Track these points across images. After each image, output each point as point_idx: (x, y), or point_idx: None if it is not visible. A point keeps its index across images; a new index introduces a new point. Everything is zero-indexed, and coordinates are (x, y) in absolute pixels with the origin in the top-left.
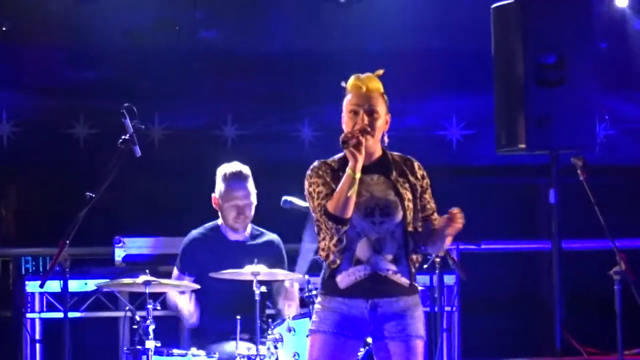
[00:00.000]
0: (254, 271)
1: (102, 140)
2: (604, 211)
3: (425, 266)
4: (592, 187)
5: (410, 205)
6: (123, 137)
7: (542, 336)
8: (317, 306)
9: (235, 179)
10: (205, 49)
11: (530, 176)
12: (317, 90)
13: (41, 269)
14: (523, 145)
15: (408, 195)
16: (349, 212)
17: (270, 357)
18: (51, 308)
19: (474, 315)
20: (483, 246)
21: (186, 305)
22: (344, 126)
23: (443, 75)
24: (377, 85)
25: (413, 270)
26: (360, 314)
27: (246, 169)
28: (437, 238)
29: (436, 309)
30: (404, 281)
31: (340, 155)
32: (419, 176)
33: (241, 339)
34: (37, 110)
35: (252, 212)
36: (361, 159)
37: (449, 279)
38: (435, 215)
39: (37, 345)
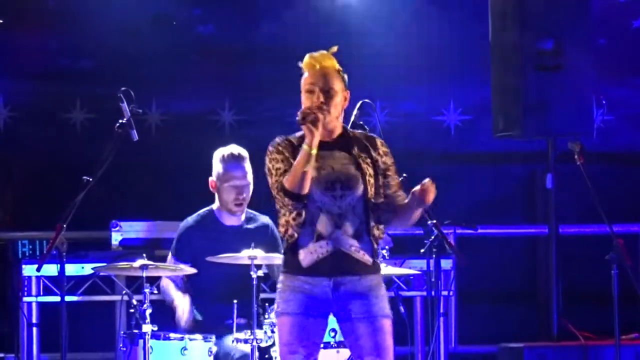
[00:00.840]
0: (250, 255)
1: (99, 125)
2: (601, 196)
3: (421, 250)
4: (589, 172)
5: (372, 180)
6: (120, 121)
7: (539, 321)
8: (280, 286)
9: (234, 160)
10: (202, 43)
11: (527, 162)
12: None
13: (38, 252)
14: (520, 131)
15: (369, 170)
16: (305, 188)
17: (267, 341)
18: (48, 292)
19: (470, 299)
20: (480, 231)
21: (182, 304)
22: (303, 105)
23: (441, 61)
24: (332, 63)
25: (375, 247)
26: (323, 293)
27: (244, 151)
28: (404, 211)
29: (433, 293)
30: (367, 259)
31: (300, 132)
32: (381, 152)
33: (238, 324)
34: (33, 95)
35: (250, 194)
36: (318, 135)
37: (446, 264)
38: (401, 192)
39: (34, 329)
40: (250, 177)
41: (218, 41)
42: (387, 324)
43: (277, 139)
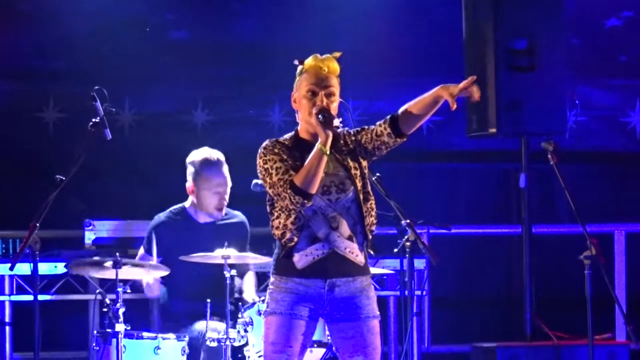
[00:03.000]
0: (224, 254)
1: (72, 124)
2: (574, 196)
3: (395, 250)
4: (562, 172)
5: (358, 173)
6: (93, 120)
7: (512, 321)
8: (271, 287)
9: (213, 166)
10: (175, 45)
11: (500, 161)
12: (287, 75)
13: (11, 251)
14: (494, 130)
15: (353, 164)
16: (316, 187)
17: (240, 341)
18: (21, 291)
19: (444, 299)
20: (453, 230)
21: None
22: (296, 105)
23: (413, 60)
24: (337, 67)
25: (367, 247)
26: (317, 294)
27: (220, 155)
28: (417, 113)
29: (406, 293)
30: (360, 260)
31: (290, 134)
32: (349, 140)
33: (211, 319)
34: (6, 94)
35: (228, 195)
36: (331, 135)
37: (419, 263)
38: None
39: (7, 328)
40: (229, 180)
41: (191, 45)
42: (377, 325)
43: (268, 142)
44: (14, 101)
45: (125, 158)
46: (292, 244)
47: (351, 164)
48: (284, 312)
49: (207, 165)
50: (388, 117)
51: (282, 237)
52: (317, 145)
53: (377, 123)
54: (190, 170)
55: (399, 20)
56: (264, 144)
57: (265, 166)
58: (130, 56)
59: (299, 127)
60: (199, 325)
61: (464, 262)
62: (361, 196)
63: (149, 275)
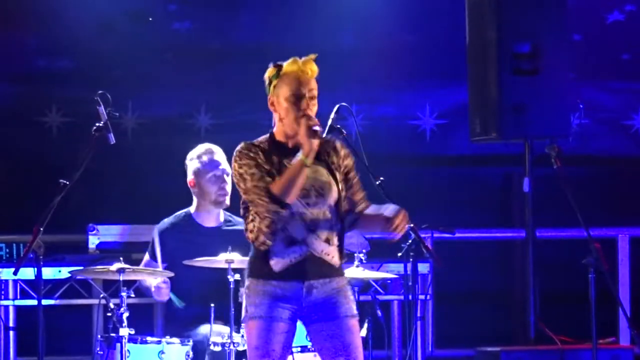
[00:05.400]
0: (227, 259)
1: (75, 128)
2: (577, 200)
3: (399, 254)
4: (566, 176)
5: (342, 184)
6: (97, 124)
7: (516, 325)
8: (247, 290)
9: (209, 154)
10: (178, 40)
11: (504, 165)
12: None
13: (15, 256)
14: (497, 134)
15: (338, 175)
16: (294, 197)
17: (244, 345)
18: (25, 295)
19: (447, 303)
20: (457, 235)
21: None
22: (273, 108)
23: (417, 65)
24: (316, 70)
25: (342, 251)
26: (295, 297)
27: (218, 148)
28: (366, 223)
29: (410, 297)
30: (336, 262)
31: (265, 137)
32: (342, 155)
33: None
34: (9, 98)
35: (230, 188)
36: (316, 147)
37: (423, 267)
38: (362, 195)
39: (11, 333)
40: (228, 166)
41: (194, 38)
42: (356, 324)
43: (243, 144)
44: (17, 104)
45: (128, 162)
46: (265, 247)
47: (336, 173)
48: (263, 315)
49: (203, 153)
50: (357, 212)
51: (256, 240)
52: (299, 156)
53: (361, 201)
54: (189, 166)
55: (403, 24)
56: (238, 147)
57: (240, 171)
58: (134, 53)
59: (275, 129)
60: (204, 329)
61: (467, 265)
62: (340, 203)
63: (154, 280)
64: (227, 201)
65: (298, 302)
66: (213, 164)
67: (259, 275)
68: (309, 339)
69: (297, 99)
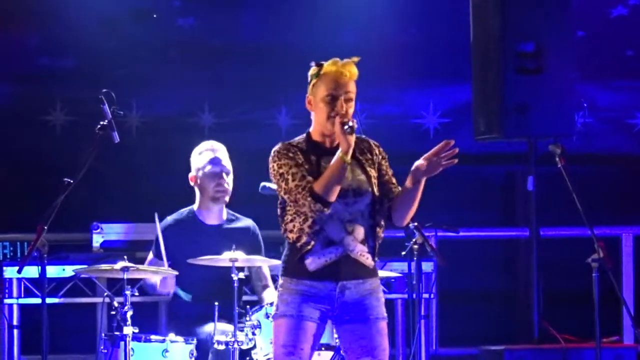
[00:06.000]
0: (231, 257)
1: (79, 127)
2: (581, 199)
3: (402, 253)
4: (569, 174)
5: (376, 183)
6: (101, 123)
7: (520, 323)
8: (280, 289)
9: (209, 150)
10: (182, 37)
11: (508, 164)
12: (294, 78)
13: (19, 254)
14: (501, 133)
15: (373, 173)
16: (336, 195)
17: (248, 344)
18: (29, 294)
19: (451, 302)
20: (461, 233)
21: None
22: (310, 107)
23: (421, 64)
24: (356, 72)
25: (377, 250)
26: (328, 297)
27: (219, 144)
28: (404, 197)
29: (414, 295)
30: (370, 263)
31: (301, 137)
32: (377, 153)
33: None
34: (13, 97)
35: (231, 185)
36: (353, 144)
37: (427, 266)
38: (397, 186)
39: (15, 331)
40: (228, 164)
41: (198, 35)
42: (385, 327)
43: (281, 144)
44: (21, 103)
45: (132, 160)
46: (309, 247)
47: (371, 170)
48: (294, 314)
49: (205, 150)
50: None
51: (298, 241)
52: (339, 154)
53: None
54: (191, 162)
55: (406, 22)
56: (276, 147)
57: (280, 171)
58: (138, 51)
59: (311, 129)
60: (208, 328)
61: (471, 264)
62: (376, 202)
63: (157, 277)
64: (226, 198)
65: (330, 302)
66: (212, 161)
67: (293, 274)
68: (336, 337)
69: (332, 99)
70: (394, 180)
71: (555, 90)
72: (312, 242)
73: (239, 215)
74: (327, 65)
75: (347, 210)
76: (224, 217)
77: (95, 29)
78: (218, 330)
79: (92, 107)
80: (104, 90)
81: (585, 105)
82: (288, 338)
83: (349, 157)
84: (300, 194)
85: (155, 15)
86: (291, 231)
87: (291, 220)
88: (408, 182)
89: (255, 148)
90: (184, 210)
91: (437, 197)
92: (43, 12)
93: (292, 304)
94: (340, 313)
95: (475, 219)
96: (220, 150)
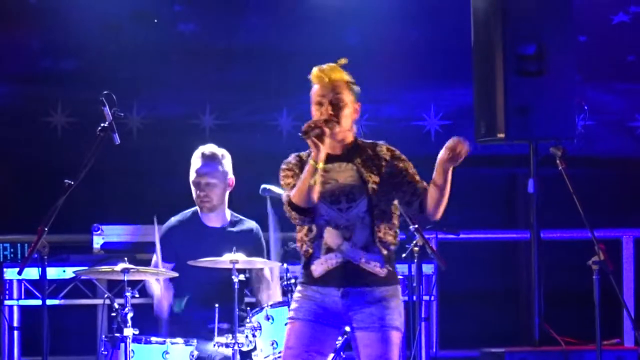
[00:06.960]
0: (232, 259)
1: (80, 128)
2: (582, 201)
3: (403, 255)
4: (570, 177)
5: (376, 187)
6: (102, 124)
7: (521, 326)
8: (296, 294)
9: (201, 159)
10: (183, 41)
11: (509, 166)
12: (295, 80)
13: (19, 256)
14: (502, 135)
15: (373, 178)
16: (309, 202)
17: (248, 346)
18: (29, 295)
19: (452, 304)
20: (462, 235)
21: (157, 291)
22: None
23: (422, 66)
24: (340, 75)
25: (387, 255)
26: (333, 302)
27: (219, 151)
28: (433, 192)
29: (414, 298)
30: (379, 270)
31: None
32: (388, 157)
33: (220, 328)
34: (14, 98)
35: (217, 195)
36: (323, 149)
37: (428, 268)
38: (421, 181)
39: (15, 333)
40: (217, 176)
41: (199, 40)
42: (394, 336)
43: (290, 156)
44: (22, 105)
45: (133, 162)
46: (309, 255)
47: (369, 176)
48: (302, 318)
49: (195, 156)
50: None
51: (301, 249)
52: (309, 160)
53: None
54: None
55: (408, 24)
56: (286, 159)
57: (282, 182)
58: (139, 53)
59: None
60: (209, 345)
61: (471, 266)
62: (376, 208)
63: (158, 290)
64: (209, 205)
65: (336, 308)
66: (198, 170)
67: (303, 281)
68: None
69: (318, 105)
70: (416, 178)
71: (557, 92)
72: (310, 250)
73: (242, 218)
74: (312, 72)
75: (342, 216)
76: (228, 219)
77: (97, 31)
78: (218, 339)
79: (93, 109)
80: (105, 92)
81: (586, 107)
82: (294, 341)
83: (318, 163)
84: (284, 205)
85: (156, 20)
86: (298, 240)
87: (299, 231)
88: (436, 176)
89: (257, 150)
90: (188, 212)
91: None
92: (45, 15)
93: (300, 308)
94: (349, 319)
95: (476, 221)
96: (213, 159)
